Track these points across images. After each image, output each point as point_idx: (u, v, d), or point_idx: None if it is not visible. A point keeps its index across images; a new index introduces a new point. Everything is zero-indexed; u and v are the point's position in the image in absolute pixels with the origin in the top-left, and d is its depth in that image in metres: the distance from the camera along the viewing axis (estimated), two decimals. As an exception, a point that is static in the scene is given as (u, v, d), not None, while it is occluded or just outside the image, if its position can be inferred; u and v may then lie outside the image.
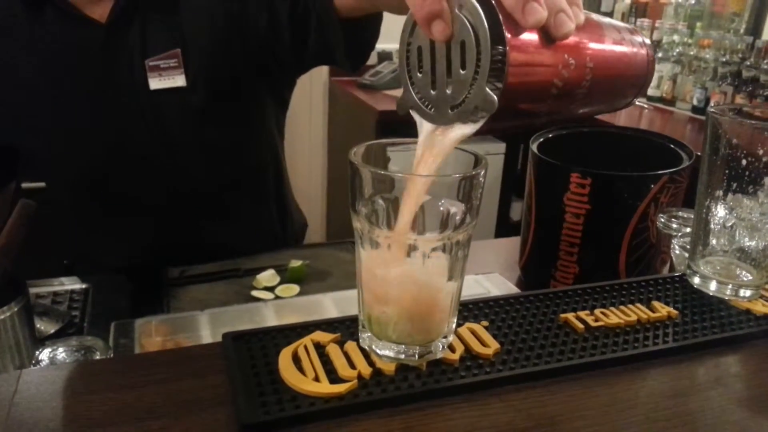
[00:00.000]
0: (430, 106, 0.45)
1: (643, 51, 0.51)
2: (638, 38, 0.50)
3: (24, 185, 1.85)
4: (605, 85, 0.48)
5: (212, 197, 1.08)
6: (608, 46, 0.47)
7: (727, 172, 0.58)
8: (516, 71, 0.40)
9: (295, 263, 0.97)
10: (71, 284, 0.92)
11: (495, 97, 0.40)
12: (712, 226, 0.60)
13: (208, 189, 1.07)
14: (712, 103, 2.46)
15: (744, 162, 0.57)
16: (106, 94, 0.94)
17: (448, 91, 0.43)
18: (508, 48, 0.39)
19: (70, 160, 0.99)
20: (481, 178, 0.46)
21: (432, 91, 0.44)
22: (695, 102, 2.48)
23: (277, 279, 0.95)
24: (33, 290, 0.87)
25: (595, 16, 0.47)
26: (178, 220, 1.06)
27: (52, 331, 0.79)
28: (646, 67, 0.51)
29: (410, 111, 0.47)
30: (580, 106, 0.47)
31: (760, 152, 0.57)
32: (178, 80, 0.95)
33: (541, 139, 1.00)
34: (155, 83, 0.94)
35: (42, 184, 0.97)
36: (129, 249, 1.06)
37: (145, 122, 0.97)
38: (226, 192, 1.10)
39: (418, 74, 0.45)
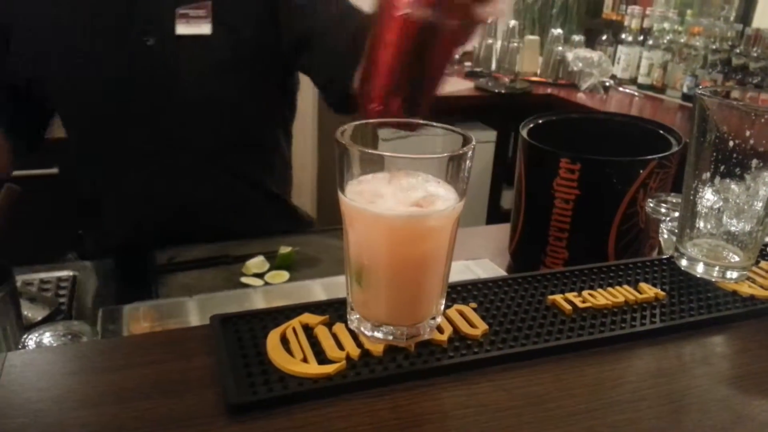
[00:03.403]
0: None
1: None
2: None
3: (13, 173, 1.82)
4: None
5: (218, 157, 1.08)
6: None
7: (714, 154, 0.58)
8: None
9: (285, 249, 0.96)
10: (59, 271, 0.91)
11: None
12: (699, 208, 0.60)
13: (215, 146, 1.07)
14: (684, 89, 2.48)
15: (731, 144, 0.57)
16: (131, 34, 0.96)
17: None
18: None
19: (90, 102, 1.00)
20: (468, 159, 0.46)
21: None
22: (685, 89, 2.48)
23: (267, 265, 0.95)
24: (20, 277, 0.86)
25: None
26: (185, 182, 1.05)
27: (40, 318, 0.78)
28: None
29: None
30: None
31: (747, 134, 0.57)
32: (204, 28, 0.98)
33: (531, 125, 1.00)
34: (181, 29, 0.97)
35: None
36: (137, 214, 1.06)
37: (166, 67, 0.99)
38: (233, 153, 1.10)
39: None
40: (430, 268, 0.47)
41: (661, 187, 0.90)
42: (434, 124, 0.50)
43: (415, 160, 0.48)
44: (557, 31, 2.87)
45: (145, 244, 0.98)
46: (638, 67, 2.72)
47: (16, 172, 1.85)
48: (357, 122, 0.48)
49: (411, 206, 0.45)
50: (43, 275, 0.89)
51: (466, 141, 0.47)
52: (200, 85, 1.00)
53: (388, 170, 0.47)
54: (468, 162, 0.46)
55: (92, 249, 1.13)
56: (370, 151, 0.45)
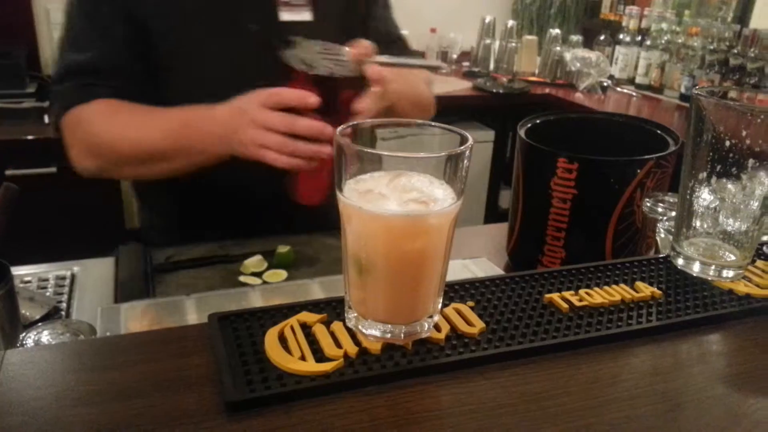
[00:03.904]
0: None
1: None
2: None
3: (8, 172, 1.83)
4: None
5: None
6: None
7: (711, 154, 0.59)
8: None
9: (283, 248, 0.97)
10: (57, 270, 0.91)
11: None
12: (696, 207, 0.61)
13: None
14: (681, 89, 2.48)
15: (727, 144, 0.58)
16: (237, 21, 1.02)
17: None
18: None
19: (199, 88, 1.01)
20: (465, 158, 0.46)
21: None
22: (683, 90, 2.49)
23: (265, 264, 0.95)
24: (18, 276, 0.86)
25: None
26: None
27: (38, 317, 0.78)
28: None
29: None
30: None
31: (744, 134, 0.57)
32: (305, 15, 1.05)
33: (529, 125, 1.01)
34: (285, 15, 1.03)
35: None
36: (233, 200, 1.05)
37: (268, 52, 0.98)
38: None
39: None
40: (428, 267, 0.47)
41: (658, 187, 0.91)
42: (432, 123, 0.51)
43: (413, 159, 0.48)
44: (555, 31, 2.87)
45: (234, 233, 1.01)
46: (636, 67, 2.73)
47: (16, 171, 1.85)
48: (355, 122, 0.48)
49: (409, 205, 0.45)
50: (42, 274, 0.90)
51: (463, 140, 0.47)
52: None
53: (386, 170, 0.47)
54: (466, 161, 0.46)
55: (158, 238, 1.13)
56: (368, 150, 0.45)
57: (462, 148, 0.46)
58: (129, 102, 0.98)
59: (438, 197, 0.46)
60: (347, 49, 0.87)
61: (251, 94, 0.85)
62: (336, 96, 0.82)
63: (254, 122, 0.82)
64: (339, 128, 0.47)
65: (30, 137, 1.87)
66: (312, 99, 0.79)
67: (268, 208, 1.05)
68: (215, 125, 0.88)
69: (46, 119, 2.00)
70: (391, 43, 1.15)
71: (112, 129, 0.96)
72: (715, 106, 0.59)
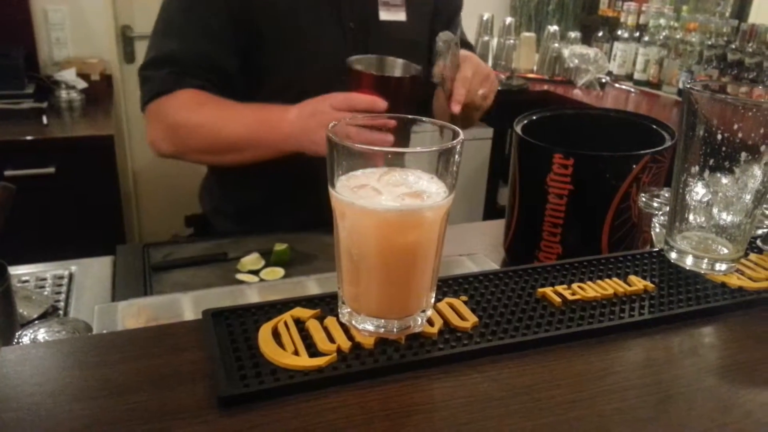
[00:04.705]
0: None
1: None
2: None
3: (7, 173, 1.83)
4: None
5: None
6: None
7: (703, 148, 0.59)
8: None
9: (280, 246, 0.97)
10: (55, 269, 0.91)
11: None
12: (688, 201, 0.61)
13: None
14: (680, 85, 2.48)
15: (720, 138, 0.58)
16: (344, 20, 1.09)
17: None
18: None
19: (304, 77, 1.07)
20: (457, 153, 0.46)
21: None
22: (681, 85, 2.49)
23: (262, 262, 0.95)
24: (16, 275, 0.86)
25: None
26: None
27: (35, 316, 0.79)
28: None
29: None
30: None
31: (735, 128, 0.57)
32: (401, 15, 1.14)
33: (525, 121, 1.01)
34: (384, 15, 1.12)
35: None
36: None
37: (365, 47, 1.08)
38: None
39: None
40: (420, 262, 0.48)
41: (654, 182, 0.91)
42: (424, 119, 0.51)
43: (405, 154, 0.49)
44: (553, 27, 2.87)
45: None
46: (634, 63, 2.73)
47: (15, 172, 1.85)
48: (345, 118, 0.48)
49: (401, 200, 0.45)
50: (40, 273, 0.90)
51: (455, 135, 0.47)
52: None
53: (378, 165, 0.48)
54: (457, 156, 0.47)
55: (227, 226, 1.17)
56: (360, 146, 0.46)
57: (453, 142, 0.46)
58: (213, 95, 1.03)
59: (430, 192, 0.47)
60: (401, 60, 0.97)
61: (323, 96, 0.90)
62: (402, 96, 0.89)
63: (324, 123, 0.87)
64: (330, 124, 0.47)
65: (29, 138, 1.87)
66: (381, 103, 0.86)
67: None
68: (288, 125, 0.93)
69: (45, 120, 2.01)
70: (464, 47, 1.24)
71: (195, 119, 1.01)
72: (707, 100, 0.59)
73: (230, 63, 1.05)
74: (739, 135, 0.58)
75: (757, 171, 0.58)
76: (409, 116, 0.51)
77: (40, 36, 2.30)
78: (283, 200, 1.15)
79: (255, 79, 1.09)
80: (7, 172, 1.80)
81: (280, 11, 1.05)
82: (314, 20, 1.08)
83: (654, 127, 1.00)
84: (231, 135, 1.00)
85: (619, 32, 2.78)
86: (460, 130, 0.47)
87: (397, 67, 0.96)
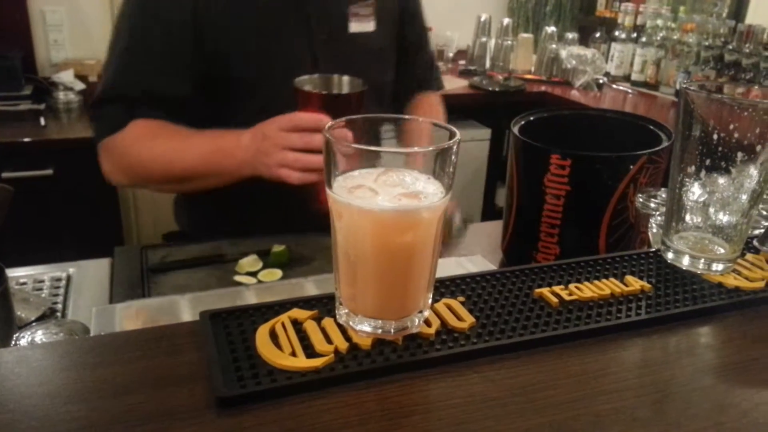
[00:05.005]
0: None
1: None
2: None
3: (4, 175, 1.83)
4: None
5: None
6: None
7: (700, 148, 0.59)
8: None
9: (278, 248, 0.97)
10: (53, 271, 0.91)
11: None
12: (685, 201, 0.61)
13: None
14: (677, 86, 2.49)
15: (716, 138, 0.58)
16: (315, 34, 1.08)
17: None
18: None
19: (273, 91, 1.06)
20: (453, 153, 0.46)
21: None
22: (678, 86, 2.49)
23: (260, 264, 0.95)
24: (14, 277, 0.86)
25: None
26: None
27: (33, 318, 0.79)
28: None
29: None
30: None
31: (731, 128, 0.58)
32: (370, 25, 1.14)
33: (523, 122, 1.01)
34: (354, 27, 1.12)
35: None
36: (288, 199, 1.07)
37: (335, 59, 1.09)
38: None
39: None
40: (417, 262, 0.48)
41: (651, 183, 0.91)
42: (420, 119, 0.51)
43: (401, 154, 0.49)
44: (551, 28, 2.87)
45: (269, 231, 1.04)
46: (632, 64, 2.73)
47: (12, 174, 1.85)
48: (344, 118, 0.49)
49: (398, 200, 0.46)
50: (38, 275, 0.90)
51: (451, 135, 0.47)
52: (364, 72, 1.08)
53: (375, 165, 0.48)
54: (453, 156, 0.47)
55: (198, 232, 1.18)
56: (356, 146, 0.46)
57: (450, 142, 0.46)
58: (167, 123, 1.02)
59: (426, 192, 0.47)
60: (346, 77, 0.98)
61: (271, 120, 0.91)
62: (348, 112, 0.90)
63: (276, 145, 0.89)
64: (328, 124, 0.47)
65: (27, 139, 1.87)
66: (326, 120, 0.85)
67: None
68: (242, 151, 0.93)
69: (42, 121, 2.00)
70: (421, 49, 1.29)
71: (148, 152, 1.01)
72: (703, 100, 0.59)
73: (185, 89, 1.03)
74: (735, 135, 0.58)
75: (753, 171, 0.59)
76: (406, 117, 0.51)
77: (38, 37, 2.30)
78: (257, 211, 1.13)
79: (223, 98, 1.07)
80: (5, 174, 1.80)
81: (248, 27, 1.04)
82: (284, 34, 1.07)
83: (651, 127, 1.00)
84: (187, 166, 1.00)
85: (617, 33, 2.79)
86: (456, 130, 0.47)
87: (343, 84, 0.98)
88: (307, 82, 0.94)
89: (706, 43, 2.42)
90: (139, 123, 1.01)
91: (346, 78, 0.98)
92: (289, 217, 1.03)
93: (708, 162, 0.59)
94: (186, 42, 1.01)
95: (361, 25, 1.12)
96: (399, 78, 1.26)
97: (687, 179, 0.60)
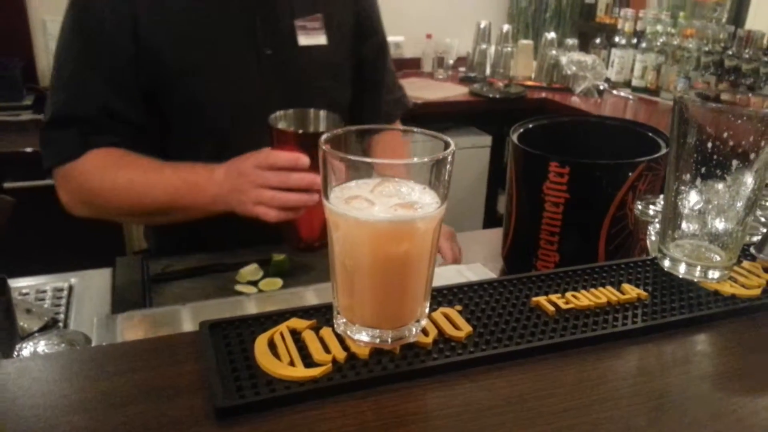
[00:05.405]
0: None
1: None
2: None
3: (6, 185, 1.84)
4: None
5: None
6: None
7: (695, 156, 0.60)
8: None
9: (278, 257, 0.97)
10: (55, 281, 0.92)
11: None
12: (681, 209, 0.61)
13: None
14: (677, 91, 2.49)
15: (710, 146, 0.58)
16: (259, 47, 1.06)
17: None
18: None
19: (221, 108, 1.05)
20: (449, 163, 0.47)
21: None
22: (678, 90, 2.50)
23: (261, 273, 0.96)
24: (16, 288, 0.87)
25: None
26: None
27: (36, 328, 0.79)
28: None
29: None
30: None
31: (726, 136, 0.58)
32: (321, 39, 1.11)
33: (522, 130, 1.02)
34: (303, 40, 1.09)
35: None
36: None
37: (285, 74, 1.07)
38: None
39: None
40: (414, 272, 0.48)
41: (650, 190, 0.91)
42: (415, 129, 0.52)
43: (397, 165, 0.49)
44: (551, 35, 2.89)
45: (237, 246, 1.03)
46: (632, 69, 2.74)
47: (14, 183, 1.86)
48: (338, 130, 0.49)
49: (393, 211, 0.46)
50: (40, 286, 0.91)
51: (446, 146, 0.48)
52: (317, 88, 1.08)
53: (371, 176, 0.48)
54: (449, 166, 0.47)
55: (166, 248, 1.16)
56: (352, 158, 0.46)
57: (445, 153, 0.47)
58: (127, 151, 0.99)
59: (422, 202, 0.47)
60: (323, 111, 0.97)
61: (246, 156, 0.90)
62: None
63: (252, 183, 0.88)
64: (324, 136, 0.48)
65: (28, 149, 1.88)
66: (304, 159, 0.87)
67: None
68: (216, 186, 0.92)
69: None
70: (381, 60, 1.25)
71: (110, 183, 0.97)
72: (697, 109, 0.59)
73: (135, 112, 1.01)
74: (730, 143, 0.58)
75: (748, 179, 0.59)
76: (401, 127, 0.52)
77: (39, 47, 2.32)
78: (226, 232, 1.08)
79: (166, 116, 1.05)
80: (7, 184, 1.81)
81: (192, 40, 1.01)
82: (229, 48, 1.04)
83: (650, 134, 1.01)
84: (154, 200, 0.96)
85: (617, 39, 2.79)
86: (450, 141, 0.48)
87: (320, 118, 0.96)
88: (282, 119, 0.92)
89: (706, 49, 2.42)
90: (100, 152, 0.97)
91: (322, 112, 0.96)
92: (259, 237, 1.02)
93: (703, 170, 0.60)
94: (131, 64, 0.98)
95: (311, 38, 1.10)
96: (361, 102, 1.22)
97: (682, 187, 0.61)
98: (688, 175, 0.60)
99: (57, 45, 1.02)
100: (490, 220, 2.72)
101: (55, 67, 1.01)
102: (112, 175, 0.97)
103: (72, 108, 0.98)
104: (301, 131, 0.92)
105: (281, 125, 0.92)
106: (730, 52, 2.34)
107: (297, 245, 0.96)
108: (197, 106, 1.04)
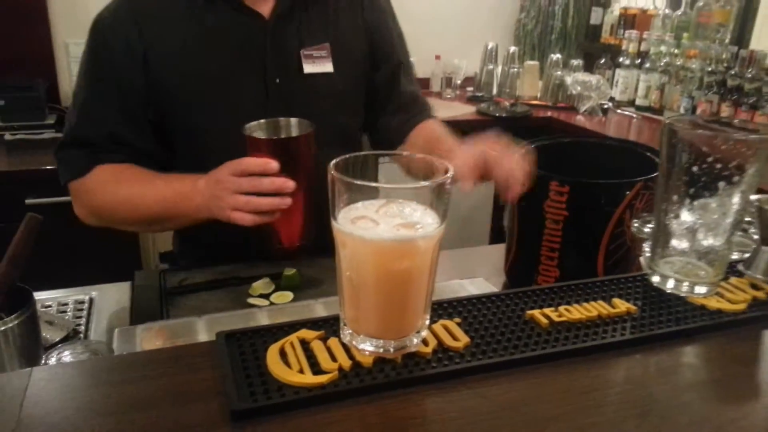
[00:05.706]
0: None
1: None
2: None
3: (28, 201, 1.89)
4: None
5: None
6: None
7: (683, 178, 0.63)
8: None
9: (289, 271, 1.01)
10: (76, 294, 0.96)
11: None
12: (669, 228, 0.65)
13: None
14: (681, 110, 2.52)
15: (696, 169, 0.62)
16: (268, 76, 1.10)
17: None
18: None
19: (227, 134, 1.06)
20: (448, 185, 0.51)
21: None
22: (682, 110, 2.53)
23: (272, 286, 0.99)
24: (39, 299, 0.91)
25: None
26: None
27: (58, 339, 0.83)
28: None
29: None
30: None
31: (712, 160, 0.62)
32: (327, 67, 1.13)
33: (524, 150, 1.05)
34: (308, 68, 1.12)
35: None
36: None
37: (292, 102, 1.11)
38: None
39: None
40: (415, 287, 0.52)
41: (647, 208, 0.94)
42: (417, 155, 0.56)
43: (400, 189, 0.53)
44: (556, 55, 2.93)
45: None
46: (636, 89, 2.78)
47: (36, 200, 1.91)
48: (348, 155, 0.53)
49: (396, 231, 0.50)
50: (62, 298, 0.95)
51: (446, 170, 0.52)
52: (323, 114, 1.11)
53: (376, 198, 0.52)
54: (448, 188, 0.51)
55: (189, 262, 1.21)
56: (358, 182, 0.50)
57: (445, 177, 0.51)
58: (129, 165, 1.06)
59: (424, 222, 0.51)
60: (294, 119, 1.00)
61: (223, 164, 0.94)
62: (295, 155, 0.94)
63: (226, 189, 0.93)
64: (332, 162, 0.52)
65: (49, 167, 1.93)
66: (272, 165, 0.91)
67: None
68: (199, 195, 0.97)
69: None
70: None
71: (112, 198, 1.05)
72: (685, 133, 0.63)
73: (143, 139, 1.08)
74: (717, 166, 0.62)
75: (734, 199, 0.62)
76: (405, 153, 0.56)
77: (62, 69, 2.40)
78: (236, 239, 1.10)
79: (173, 143, 1.11)
80: (29, 201, 1.86)
81: (202, 73, 1.07)
82: (238, 79, 1.08)
83: (647, 154, 1.04)
84: (149, 210, 1.03)
85: (621, 59, 2.84)
86: (450, 166, 0.52)
87: (291, 126, 1.00)
88: (256, 128, 0.97)
89: (709, 69, 2.46)
90: (105, 168, 1.06)
91: (294, 120, 0.99)
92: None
93: (691, 191, 0.63)
94: (140, 95, 1.05)
95: (317, 66, 1.13)
96: (375, 123, 1.25)
97: (671, 207, 0.64)
98: (676, 196, 0.64)
99: (77, 71, 1.10)
100: (498, 236, 2.75)
101: (74, 91, 1.10)
102: (113, 190, 1.05)
103: (84, 131, 1.06)
104: (270, 138, 0.97)
105: (256, 134, 0.96)
106: (732, 72, 2.37)
107: (277, 251, 0.99)
108: (203, 134, 1.09)
